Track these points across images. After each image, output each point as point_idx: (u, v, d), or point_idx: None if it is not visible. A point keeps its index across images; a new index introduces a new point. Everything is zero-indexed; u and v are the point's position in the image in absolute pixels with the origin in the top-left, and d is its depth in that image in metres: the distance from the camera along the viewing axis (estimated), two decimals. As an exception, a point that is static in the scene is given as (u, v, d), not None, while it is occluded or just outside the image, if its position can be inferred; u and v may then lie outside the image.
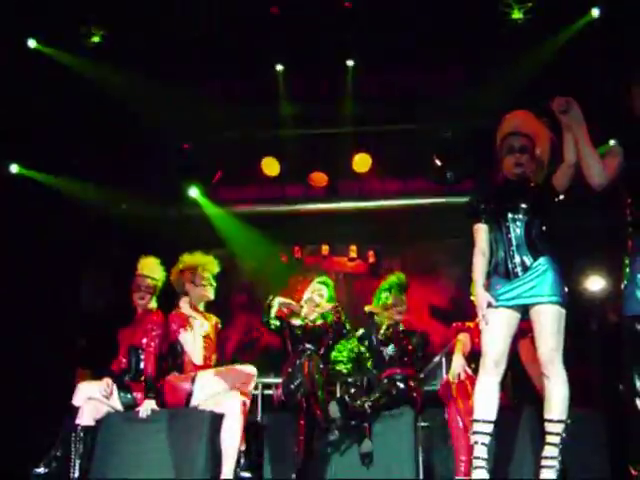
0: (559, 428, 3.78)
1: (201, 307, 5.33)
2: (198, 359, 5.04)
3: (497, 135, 4.21)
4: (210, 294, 5.34)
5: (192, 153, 7.88)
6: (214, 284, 5.35)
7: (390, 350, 5.42)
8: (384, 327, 5.55)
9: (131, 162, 7.53)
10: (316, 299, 5.64)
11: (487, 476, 3.87)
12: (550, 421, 3.81)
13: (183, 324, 5.13)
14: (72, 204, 6.87)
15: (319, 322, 5.54)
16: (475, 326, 5.18)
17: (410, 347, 5.42)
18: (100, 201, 7.28)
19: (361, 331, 5.63)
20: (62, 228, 6.53)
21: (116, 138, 7.30)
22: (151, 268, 5.39)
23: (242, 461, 4.77)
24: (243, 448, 4.77)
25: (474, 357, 5.01)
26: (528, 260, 3.93)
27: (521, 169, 4.08)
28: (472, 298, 5.28)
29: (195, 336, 5.14)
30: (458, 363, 4.95)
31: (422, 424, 5.17)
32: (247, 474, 4.81)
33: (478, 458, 3.87)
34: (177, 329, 5.10)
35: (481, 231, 4.15)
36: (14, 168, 6.99)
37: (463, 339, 5.17)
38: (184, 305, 5.31)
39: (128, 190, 7.53)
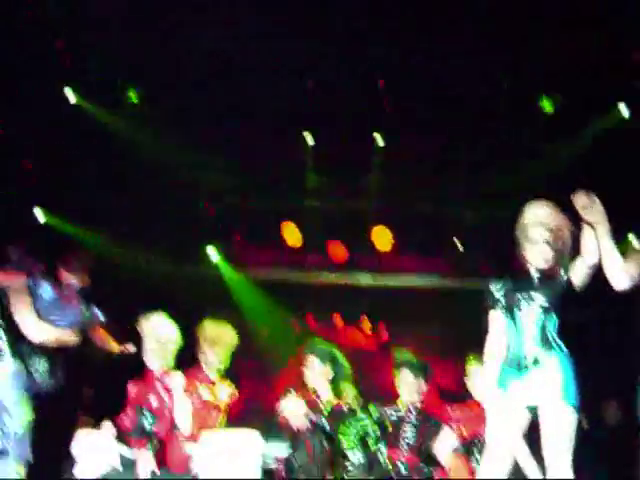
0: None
1: (214, 375, 5.33)
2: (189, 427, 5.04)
3: (518, 225, 4.19)
4: (207, 369, 5.32)
5: (214, 216, 7.97)
6: (214, 362, 5.33)
7: (402, 433, 5.34)
8: (402, 407, 5.47)
9: (149, 218, 7.63)
10: (307, 378, 5.47)
11: None
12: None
13: (187, 388, 5.13)
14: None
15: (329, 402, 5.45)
16: (468, 413, 5.17)
17: (422, 435, 5.33)
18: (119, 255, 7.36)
19: (375, 412, 5.50)
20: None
21: (140, 195, 7.42)
22: (156, 329, 5.30)
23: None
24: None
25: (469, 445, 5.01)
26: (541, 356, 3.88)
27: (545, 265, 4.04)
28: (467, 382, 5.27)
29: (196, 403, 5.16)
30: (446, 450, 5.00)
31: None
32: None
33: None
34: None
35: (496, 320, 4.12)
36: (42, 217, 7.11)
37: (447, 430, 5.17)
38: (200, 368, 5.34)
39: (144, 245, 7.62)
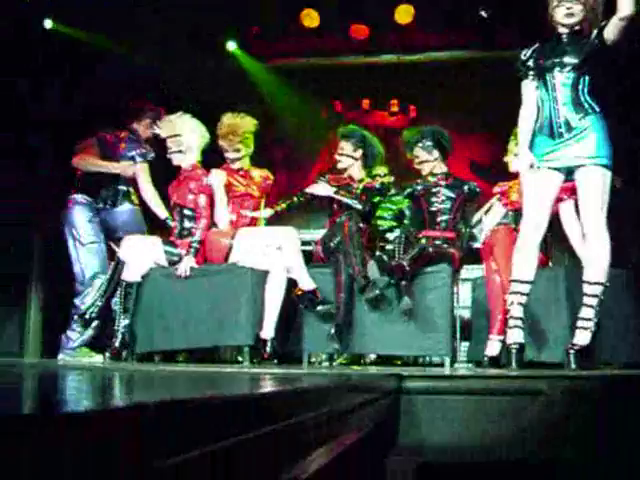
0: (597, 290, 3.76)
1: (241, 164, 5.30)
2: (227, 221, 5.11)
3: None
4: (233, 163, 5.31)
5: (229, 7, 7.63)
6: (235, 152, 5.27)
7: (434, 207, 5.24)
8: (431, 178, 5.29)
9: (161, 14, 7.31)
10: (340, 163, 5.39)
11: (522, 335, 3.92)
12: (589, 283, 3.79)
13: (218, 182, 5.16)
14: (102, 59, 6.75)
15: (362, 181, 5.40)
16: (514, 185, 5.11)
17: (457, 202, 5.23)
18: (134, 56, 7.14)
19: (409, 189, 5.38)
20: (96, 87, 6.44)
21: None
22: (170, 127, 5.24)
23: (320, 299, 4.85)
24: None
25: (515, 216, 5.01)
26: (574, 120, 3.79)
27: (573, 20, 3.84)
28: (505, 159, 5.16)
29: (232, 195, 5.20)
30: (493, 217, 5.08)
31: (462, 278, 5.21)
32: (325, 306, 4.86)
33: (514, 318, 3.90)
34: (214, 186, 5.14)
35: (528, 89, 4.00)
36: (48, 24, 6.87)
37: (496, 202, 5.18)
38: (228, 163, 5.32)
39: (159, 44, 7.38)
